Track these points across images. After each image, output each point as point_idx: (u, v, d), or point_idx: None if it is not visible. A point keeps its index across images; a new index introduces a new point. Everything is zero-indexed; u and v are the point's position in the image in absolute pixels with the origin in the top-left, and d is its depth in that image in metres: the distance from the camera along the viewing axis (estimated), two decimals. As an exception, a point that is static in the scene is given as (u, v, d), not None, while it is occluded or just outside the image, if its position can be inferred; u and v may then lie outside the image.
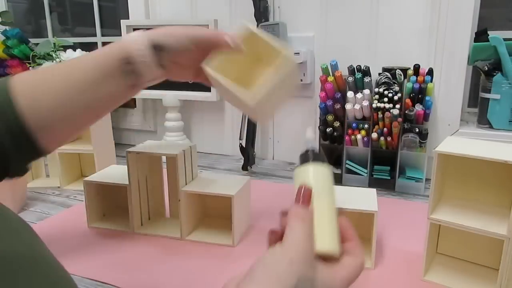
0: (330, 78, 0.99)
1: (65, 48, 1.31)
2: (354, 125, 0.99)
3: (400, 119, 0.92)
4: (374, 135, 0.95)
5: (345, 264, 0.35)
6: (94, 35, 1.58)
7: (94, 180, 0.78)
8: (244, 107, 0.49)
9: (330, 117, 1.00)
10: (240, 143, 1.17)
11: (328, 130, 1.00)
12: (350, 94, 0.97)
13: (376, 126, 0.96)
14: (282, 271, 0.30)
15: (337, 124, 0.99)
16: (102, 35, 1.58)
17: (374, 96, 0.94)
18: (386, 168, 0.99)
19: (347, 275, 0.34)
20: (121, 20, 1.25)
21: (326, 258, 0.34)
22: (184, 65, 0.52)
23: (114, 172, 0.81)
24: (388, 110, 0.92)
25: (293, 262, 0.31)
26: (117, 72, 0.46)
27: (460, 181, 0.61)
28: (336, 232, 0.35)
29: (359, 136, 0.98)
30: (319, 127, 1.03)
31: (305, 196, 0.36)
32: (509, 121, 0.97)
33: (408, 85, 0.93)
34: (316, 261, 0.33)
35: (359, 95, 0.96)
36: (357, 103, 0.97)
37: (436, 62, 1.00)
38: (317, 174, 0.38)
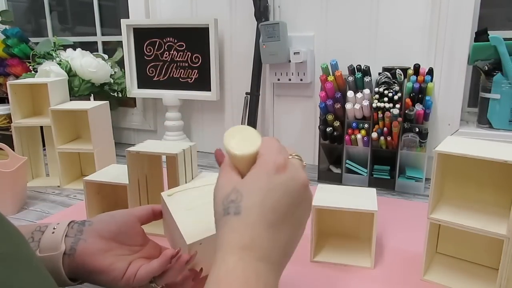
0: (330, 78, 0.99)
1: (65, 47, 1.32)
2: (354, 124, 0.99)
3: (400, 119, 0.92)
4: (374, 135, 0.95)
5: (256, 165, 0.40)
6: (94, 34, 1.58)
7: (94, 179, 0.77)
8: (181, 243, 0.49)
9: (330, 117, 1.00)
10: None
11: (328, 129, 1.00)
12: (350, 93, 0.97)
13: (376, 126, 0.96)
14: (215, 214, 0.39)
15: (337, 123, 0.99)
16: (102, 34, 1.58)
17: (374, 95, 0.94)
18: (386, 167, 0.99)
19: (259, 165, 0.39)
20: (121, 20, 1.25)
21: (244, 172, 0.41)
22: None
23: (114, 172, 0.81)
24: (388, 109, 0.92)
25: (215, 199, 0.40)
26: None
27: (460, 181, 0.61)
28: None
29: (359, 136, 0.98)
30: (319, 126, 1.03)
31: (218, 157, 0.46)
32: (509, 121, 0.97)
33: (408, 84, 0.93)
34: (235, 179, 0.40)
35: (359, 95, 0.96)
36: (357, 103, 0.97)
37: (436, 62, 1.00)
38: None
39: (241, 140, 0.41)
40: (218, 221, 0.38)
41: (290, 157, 0.41)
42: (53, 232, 0.49)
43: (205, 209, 0.51)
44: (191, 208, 0.52)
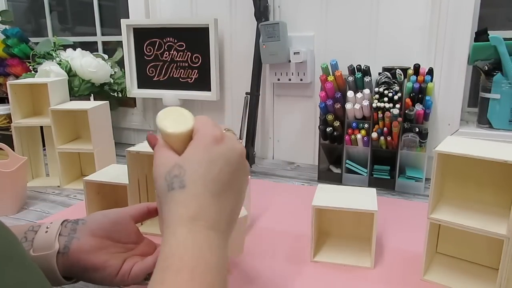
0: (330, 78, 0.99)
1: (65, 47, 1.32)
2: (354, 124, 0.99)
3: (400, 119, 0.92)
4: (374, 135, 0.95)
5: (194, 139, 0.41)
6: (94, 34, 1.58)
7: (94, 179, 0.77)
8: None
9: (330, 117, 1.00)
10: (240, 143, 1.17)
11: (328, 129, 1.00)
12: (350, 93, 0.97)
13: (376, 126, 0.96)
14: (158, 191, 0.40)
15: (337, 123, 0.99)
16: (102, 34, 1.58)
17: (374, 95, 0.94)
18: (386, 167, 0.99)
19: (197, 139, 0.41)
20: (121, 20, 1.26)
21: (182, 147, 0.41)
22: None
23: (114, 172, 0.81)
24: (388, 109, 0.92)
25: (155, 179, 0.40)
26: None
27: (460, 181, 0.61)
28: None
29: (359, 136, 0.98)
30: (319, 126, 1.03)
31: (151, 140, 0.45)
32: (509, 121, 0.97)
33: (408, 84, 0.93)
34: (173, 156, 0.40)
35: (359, 95, 0.96)
36: (357, 103, 0.97)
37: (436, 62, 1.00)
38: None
39: (174, 120, 0.42)
40: (162, 198, 0.39)
41: (224, 131, 0.43)
42: (46, 232, 0.49)
43: None
44: None
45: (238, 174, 0.41)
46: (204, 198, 0.38)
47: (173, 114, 0.43)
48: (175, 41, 1.24)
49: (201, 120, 0.42)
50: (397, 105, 0.92)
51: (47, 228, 0.49)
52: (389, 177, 0.98)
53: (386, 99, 0.92)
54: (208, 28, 1.17)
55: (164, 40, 1.25)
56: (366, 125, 0.98)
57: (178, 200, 0.37)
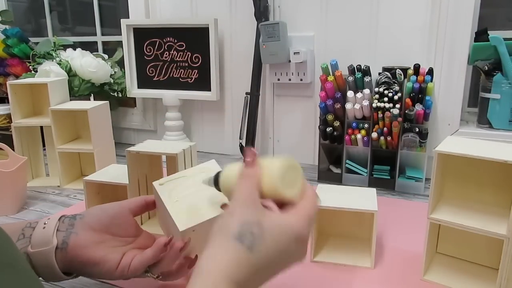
0: (330, 78, 0.99)
1: (65, 47, 1.32)
2: (354, 124, 0.99)
3: (400, 119, 0.92)
4: (374, 135, 0.95)
5: (298, 206, 0.41)
6: (94, 34, 1.58)
7: (94, 179, 0.78)
8: (174, 231, 0.50)
9: (330, 117, 1.00)
10: (240, 143, 1.18)
11: (328, 129, 1.00)
12: (350, 93, 0.97)
13: (376, 126, 0.96)
14: (224, 223, 0.38)
15: (337, 123, 0.99)
16: (102, 34, 1.58)
17: (374, 95, 0.94)
18: (386, 167, 0.99)
19: (289, 226, 0.39)
20: (121, 20, 1.25)
21: (281, 205, 0.41)
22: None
23: (114, 171, 0.81)
24: (388, 109, 0.92)
25: (233, 212, 0.38)
26: None
27: (460, 181, 0.61)
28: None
29: (359, 136, 0.98)
30: (319, 126, 1.03)
31: (249, 156, 0.42)
32: (509, 121, 0.97)
33: (408, 84, 0.93)
34: (261, 208, 0.39)
35: (359, 95, 0.96)
36: (357, 103, 0.97)
37: (436, 62, 1.00)
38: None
39: (288, 173, 0.41)
40: (226, 237, 0.37)
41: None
42: (44, 227, 0.49)
43: (197, 196, 0.52)
44: (183, 196, 0.52)
45: (290, 262, 0.41)
46: (255, 270, 0.37)
47: (290, 167, 0.42)
48: (175, 41, 1.24)
49: (309, 202, 0.42)
50: (397, 105, 0.92)
51: (45, 224, 0.49)
52: (389, 177, 0.98)
53: (386, 99, 0.92)
54: (208, 28, 1.17)
55: (164, 40, 1.25)
56: (366, 125, 0.98)
57: (239, 258, 0.36)
